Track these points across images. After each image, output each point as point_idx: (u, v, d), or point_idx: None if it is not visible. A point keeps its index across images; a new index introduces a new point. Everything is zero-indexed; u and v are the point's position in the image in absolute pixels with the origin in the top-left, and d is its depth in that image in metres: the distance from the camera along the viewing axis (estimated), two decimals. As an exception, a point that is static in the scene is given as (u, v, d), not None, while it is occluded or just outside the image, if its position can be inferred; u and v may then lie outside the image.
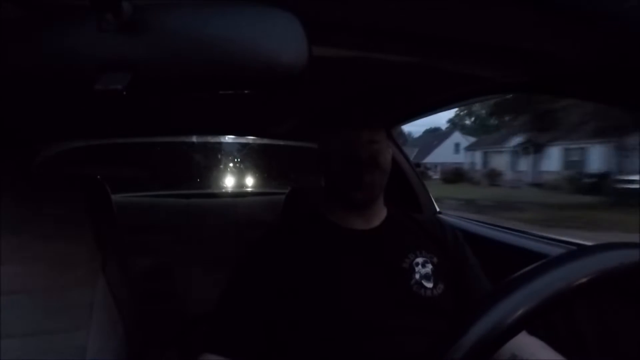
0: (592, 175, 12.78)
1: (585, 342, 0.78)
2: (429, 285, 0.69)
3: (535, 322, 0.28)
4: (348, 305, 0.66)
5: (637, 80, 0.50)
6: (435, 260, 0.73)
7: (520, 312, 0.28)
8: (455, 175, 18.46)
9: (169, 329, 1.42)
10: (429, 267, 0.71)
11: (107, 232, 0.83)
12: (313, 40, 0.31)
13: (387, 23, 0.53)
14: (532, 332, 0.68)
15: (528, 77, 0.66)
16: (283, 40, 0.30)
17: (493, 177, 17.34)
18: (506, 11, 0.46)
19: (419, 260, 0.72)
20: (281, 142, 1.75)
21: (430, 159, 24.96)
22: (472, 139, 25.26)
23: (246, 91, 0.34)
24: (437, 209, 1.45)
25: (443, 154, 25.07)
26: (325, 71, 0.71)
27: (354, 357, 0.62)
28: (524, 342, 0.64)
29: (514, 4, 0.44)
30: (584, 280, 0.29)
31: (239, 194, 2.20)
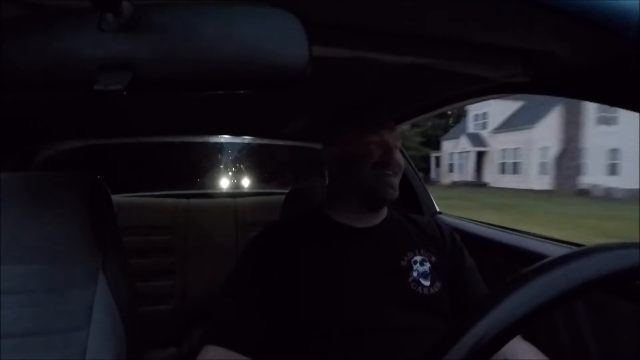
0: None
1: (585, 343, 0.79)
2: (427, 283, 0.70)
3: (534, 325, 0.28)
4: (346, 301, 0.66)
5: (636, 79, 0.50)
6: (433, 259, 0.73)
7: (519, 313, 0.28)
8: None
9: (169, 329, 1.42)
10: (426, 266, 0.72)
11: (107, 232, 0.83)
12: (313, 40, 0.31)
13: (387, 23, 0.53)
14: (532, 334, 0.68)
15: (528, 77, 0.66)
16: (283, 40, 0.30)
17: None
18: (506, 11, 0.46)
19: (417, 258, 0.72)
20: (281, 142, 1.75)
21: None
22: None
23: (246, 91, 0.34)
24: (437, 209, 1.45)
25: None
26: (325, 71, 0.71)
27: (351, 354, 0.62)
28: (518, 347, 0.64)
29: (514, 4, 0.44)
30: (584, 281, 0.29)
31: (239, 194, 2.20)
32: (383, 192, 0.72)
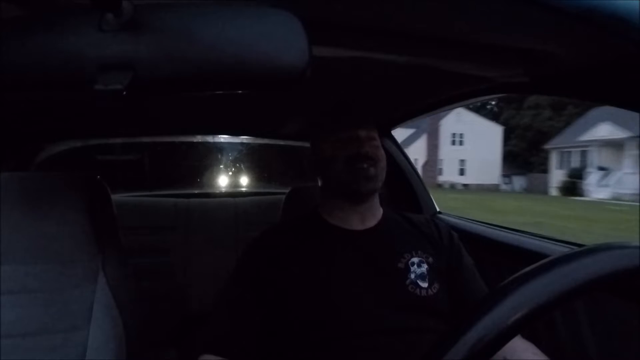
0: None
1: (585, 343, 0.79)
2: (424, 285, 0.70)
3: (534, 325, 0.28)
4: (344, 304, 0.66)
5: (636, 79, 0.50)
6: (430, 260, 0.73)
7: (518, 314, 0.27)
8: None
9: (169, 329, 1.42)
10: (424, 267, 0.72)
11: (107, 232, 0.83)
12: (313, 40, 0.31)
13: (387, 23, 0.53)
14: (532, 334, 0.68)
15: (528, 77, 0.66)
16: (283, 40, 0.30)
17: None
18: (506, 11, 0.46)
19: (415, 260, 0.72)
20: (281, 142, 1.75)
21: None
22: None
23: (246, 91, 0.34)
24: (437, 209, 1.45)
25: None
26: (325, 71, 0.71)
27: (349, 356, 0.62)
28: (516, 346, 0.64)
29: (514, 4, 0.44)
30: (583, 281, 0.29)
31: (239, 193, 2.20)
32: (358, 184, 0.73)
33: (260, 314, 0.67)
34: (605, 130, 15.16)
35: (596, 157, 17.05)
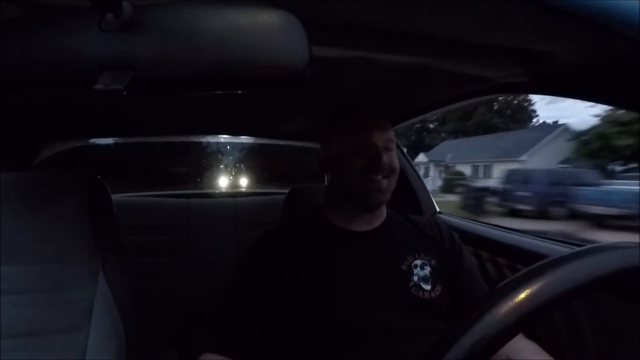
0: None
1: (585, 342, 0.79)
2: (427, 287, 0.69)
3: (535, 323, 0.28)
4: (346, 306, 0.66)
5: (636, 79, 0.50)
6: (433, 262, 0.73)
7: (518, 314, 0.28)
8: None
9: (169, 329, 1.42)
10: (427, 269, 0.71)
11: (107, 232, 0.83)
12: (313, 40, 0.31)
13: (387, 23, 0.53)
14: (532, 333, 0.68)
15: (528, 77, 0.66)
16: (284, 41, 0.30)
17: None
18: (506, 11, 0.46)
19: (418, 262, 0.72)
20: (282, 142, 1.75)
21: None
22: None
23: (246, 91, 0.34)
24: (437, 209, 1.45)
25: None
26: (325, 71, 0.71)
27: (351, 358, 0.62)
28: (519, 345, 0.64)
29: (514, 4, 0.44)
30: (583, 281, 0.29)
31: (239, 194, 2.20)
32: (370, 197, 0.72)
33: (262, 314, 0.67)
34: (421, 157, 27.32)
35: (424, 171, 28.33)
